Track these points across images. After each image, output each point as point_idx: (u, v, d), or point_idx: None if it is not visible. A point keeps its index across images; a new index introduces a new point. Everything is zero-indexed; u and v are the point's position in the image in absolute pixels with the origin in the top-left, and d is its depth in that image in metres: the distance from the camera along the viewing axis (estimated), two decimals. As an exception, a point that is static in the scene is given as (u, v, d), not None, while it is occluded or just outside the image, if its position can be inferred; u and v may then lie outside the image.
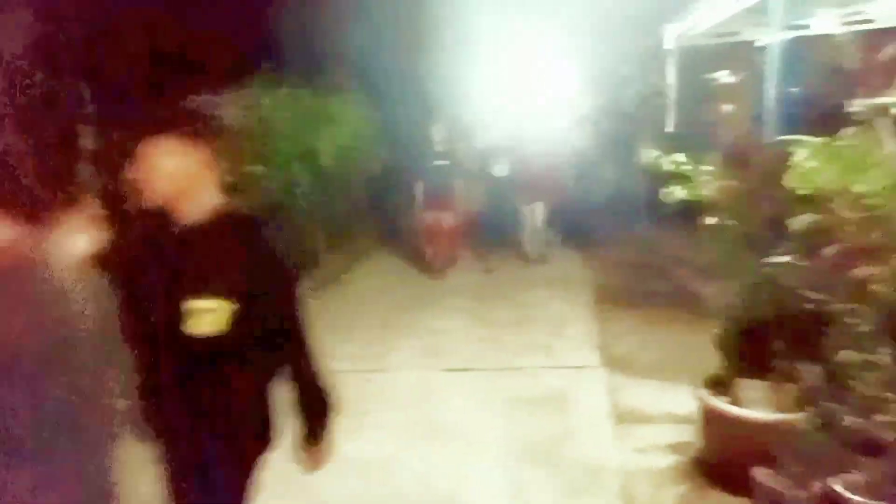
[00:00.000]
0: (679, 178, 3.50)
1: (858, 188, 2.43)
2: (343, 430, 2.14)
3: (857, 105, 2.67)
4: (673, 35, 7.50)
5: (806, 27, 4.76)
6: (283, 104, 8.48)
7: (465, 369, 5.18)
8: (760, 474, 3.16)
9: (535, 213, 8.53)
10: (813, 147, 2.74)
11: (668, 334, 5.47)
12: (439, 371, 5.15)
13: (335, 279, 8.46)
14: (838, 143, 2.63)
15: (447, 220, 8.15)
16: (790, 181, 2.85)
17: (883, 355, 2.79)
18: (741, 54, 6.35)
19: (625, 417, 4.24)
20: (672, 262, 6.84)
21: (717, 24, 6.12)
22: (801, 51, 4.61)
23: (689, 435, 3.80)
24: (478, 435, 4.03)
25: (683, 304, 5.68)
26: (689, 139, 4.96)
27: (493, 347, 5.60)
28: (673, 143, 4.11)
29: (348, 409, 2.26)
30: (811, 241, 3.10)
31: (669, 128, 7.15)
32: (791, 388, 3.32)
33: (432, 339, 5.80)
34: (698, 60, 7.22)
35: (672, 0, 7.00)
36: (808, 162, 2.69)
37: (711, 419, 3.55)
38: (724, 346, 3.66)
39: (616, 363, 5.14)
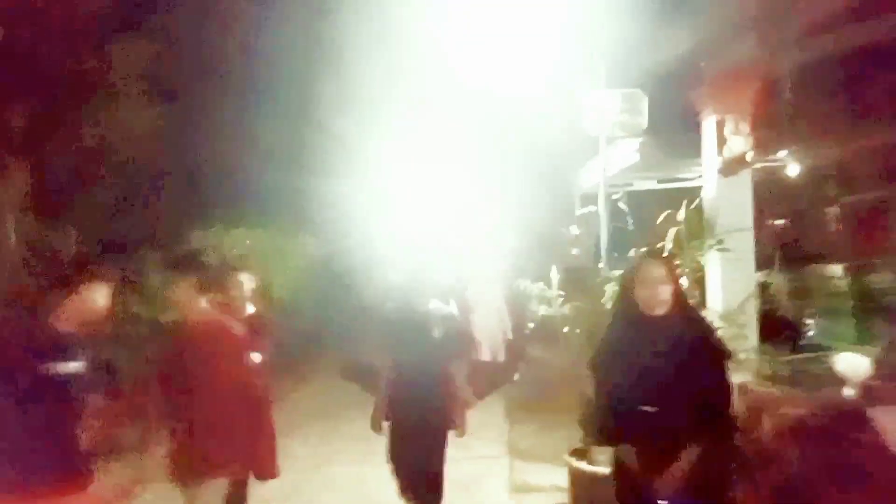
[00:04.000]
0: (543, 300, 4.94)
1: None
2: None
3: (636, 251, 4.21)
4: (577, 184, 9.14)
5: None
6: (239, 242, 9.84)
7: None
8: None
9: None
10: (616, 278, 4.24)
11: (565, 427, 6.69)
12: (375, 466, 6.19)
13: (282, 398, 9.46)
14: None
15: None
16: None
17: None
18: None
19: (519, 488, 5.41)
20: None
21: (613, 175, 7.72)
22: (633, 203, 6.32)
23: (565, 497, 4.98)
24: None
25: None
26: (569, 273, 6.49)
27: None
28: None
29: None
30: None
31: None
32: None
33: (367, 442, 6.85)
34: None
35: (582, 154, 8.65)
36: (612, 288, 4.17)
37: (576, 478, 4.78)
38: (582, 425, 4.96)
39: (517, 454, 6.35)
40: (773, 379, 4.19)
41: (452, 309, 4.32)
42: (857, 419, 1.57)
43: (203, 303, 3.75)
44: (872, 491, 1.45)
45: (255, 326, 4.36)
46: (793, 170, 6.49)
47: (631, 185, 8.38)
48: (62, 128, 8.19)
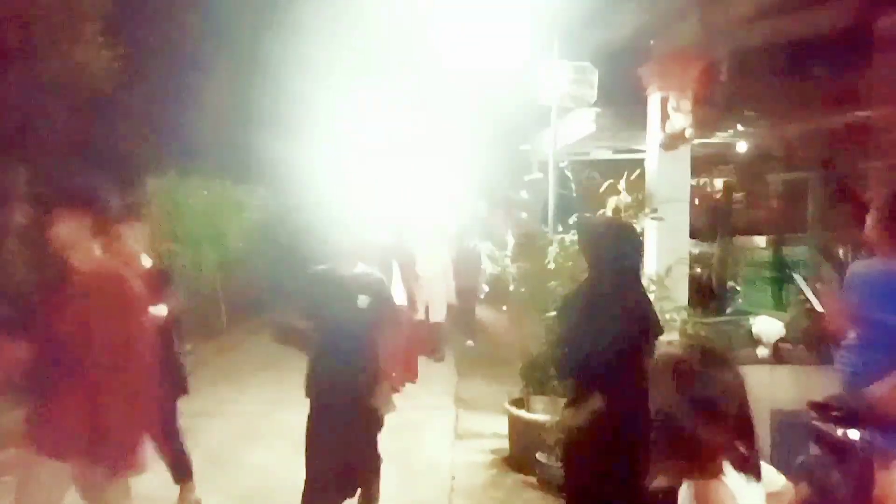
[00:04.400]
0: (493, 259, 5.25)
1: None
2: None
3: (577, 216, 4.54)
4: (533, 151, 9.42)
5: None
6: (194, 192, 9.85)
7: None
8: (541, 456, 4.79)
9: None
10: (559, 242, 4.57)
11: (508, 380, 7.12)
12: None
13: (233, 347, 9.66)
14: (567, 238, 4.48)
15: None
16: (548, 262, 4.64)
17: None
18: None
19: (463, 434, 5.80)
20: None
21: (571, 144, 8.02)
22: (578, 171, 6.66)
23: (504, 443, 5.38)
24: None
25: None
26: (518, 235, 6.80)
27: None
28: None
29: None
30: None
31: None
32: (559, 401, 5.00)
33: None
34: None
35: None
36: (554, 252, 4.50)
37: (514, 423, 5.17)
38: (523, 376, 5.34)
39: (462, 404, 6.74)
40: (695, 339, 4.60)
41: (378, 273, 3.94)
42: (718, 360, 1.86)
43: (96, 248, 2.90)
44: (725, 424, 1.77)
45: (156, 283, 3.77)
46: (729, 147, 6.92)
47: (588, 153, 8.70)
48: (15, 64, 8.03)
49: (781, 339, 4.58)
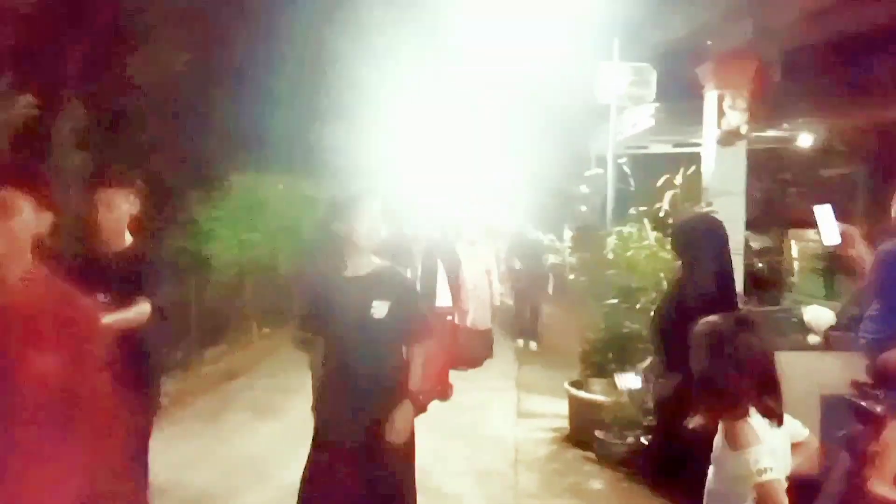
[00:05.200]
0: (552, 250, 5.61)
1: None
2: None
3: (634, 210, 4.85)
4: (595, 146, 9.62)
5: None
6: (271, 187, 10.52)
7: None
8: (599, 433, 5.15)
9: None
10: (617, 234, 4.90)
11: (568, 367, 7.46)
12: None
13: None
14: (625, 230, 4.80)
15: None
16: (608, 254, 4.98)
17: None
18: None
19: (524, 414, 6.20)
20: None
21: (629, 137, 8.24)
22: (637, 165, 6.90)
23: (564, 422, 5.75)
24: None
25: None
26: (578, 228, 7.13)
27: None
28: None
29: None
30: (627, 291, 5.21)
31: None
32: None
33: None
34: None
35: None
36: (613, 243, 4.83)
37: (573, 403, 5.54)
38: (582, 359, 5.70)
39: (524, 387, 7.14)
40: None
41: (398, 271, 3.15)
42: (748, 327, 2.25)
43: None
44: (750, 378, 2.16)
45: (135, 269, 3.08)
46: (789, 142, 7.06)
47: (647, 147, 8.92)
48: (109, 69, 8.76)
49: (831, 328, 4.77)
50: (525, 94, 8.82)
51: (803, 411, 3.48)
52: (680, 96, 6.59)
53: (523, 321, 9.01)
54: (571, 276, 5.53)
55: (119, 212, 3.16)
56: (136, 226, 3.27)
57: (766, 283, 6.33)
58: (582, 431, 5.39)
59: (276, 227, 10.18)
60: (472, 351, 7.62)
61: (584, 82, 6.11)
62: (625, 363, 5.30)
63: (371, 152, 12.10)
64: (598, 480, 4.78)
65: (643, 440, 4.85)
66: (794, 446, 2.31)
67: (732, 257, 5.32)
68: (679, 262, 3.61)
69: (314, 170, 11.82)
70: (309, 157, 12.26)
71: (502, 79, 9.07)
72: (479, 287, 7.97)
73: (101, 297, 2.83)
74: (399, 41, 12.21)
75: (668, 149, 8.98)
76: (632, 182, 5.75)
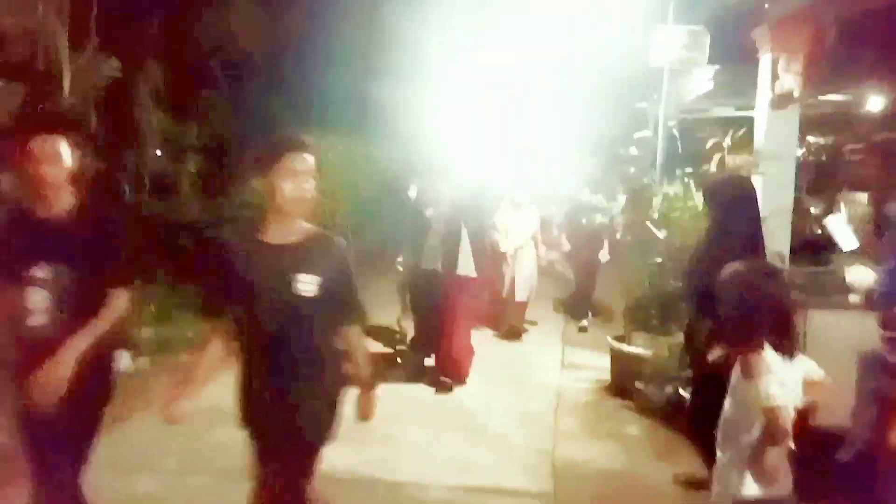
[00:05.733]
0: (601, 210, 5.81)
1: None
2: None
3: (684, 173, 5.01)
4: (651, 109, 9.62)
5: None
6: (332, 146, 10.91)
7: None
8: (639, 384, 5.40)
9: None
10: (663, 195, 5.07)
11: (612, 325, 7.69)
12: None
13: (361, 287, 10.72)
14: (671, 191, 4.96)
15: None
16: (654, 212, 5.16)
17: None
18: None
19: (568, 366, 6.50)
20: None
21: (692, 100, 8.24)
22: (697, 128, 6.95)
23: (606, 374, 6.01)
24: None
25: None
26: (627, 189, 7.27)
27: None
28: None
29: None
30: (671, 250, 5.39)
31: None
32: (658, 338, 5.56)
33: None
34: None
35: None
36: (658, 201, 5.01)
37: (615, 356, 5.79)
38: (626, 315, 5.92)
39: (569, 342, 7.41)
40: (792, 286, 4.99)
41: (331, 237, 2.53)
42: (769, 273, 2.47)
43: None
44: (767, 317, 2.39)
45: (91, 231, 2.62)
46: (854, 107, 6.97)
47: (708, 110, 8.90)
48: (186, 34, 9.25)
49: (872, 287, 4.87)
50: (580, 56, 8.86)
51: (843, 367, 3.69)
52: (741, 59, 6.61)
53: (578, 297, 8.22)
54: (619, 236, 5.72)
55: (61, 165, 2.56)
56: (81, 184, 2.68)
57: (816, 245, 6.37)
58: (622, 383, 5.66)
59: (334, 186, 10.57)
60: (503, 321, 7.51)
61: (639, 45, 6.20)
62: (668, 320, 5.53)
63: (425, 113, 12.16)
64: (634, 427, 5.05)
65: (681, 391, 5.10)
66: (810, 385, 2.54)
67: (781, 218, 5.50)
68: (710, 218, 3.80)
69: (372, 130, 12.15)
70: (366, 117, 12.58)
71: (557, 41, 9.10)
72: (524, 255, 7.46)
73: (38, 271, 2.48)
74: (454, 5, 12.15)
75: (730, 112, 8.94)
76: (679, 145, 5.86)
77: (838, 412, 3.65)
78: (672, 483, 4.05)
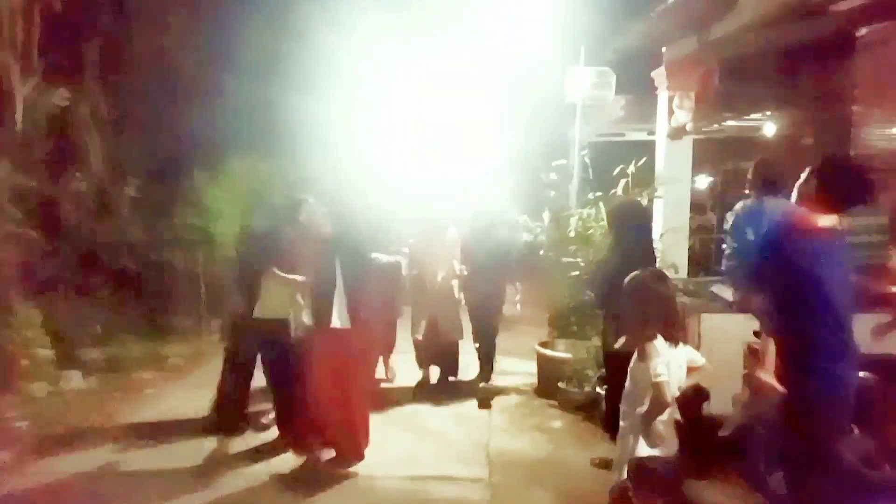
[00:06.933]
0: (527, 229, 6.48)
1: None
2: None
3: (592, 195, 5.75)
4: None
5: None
6: (266, 168, 11.19)
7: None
8: (561, 385, 6.06)
9: None
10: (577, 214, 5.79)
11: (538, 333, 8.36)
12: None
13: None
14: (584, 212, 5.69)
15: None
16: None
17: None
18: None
19: (500, 372, 7.10)
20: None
21: (610, 123, 9.06)
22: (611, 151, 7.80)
23: (534, 378, 6.64)
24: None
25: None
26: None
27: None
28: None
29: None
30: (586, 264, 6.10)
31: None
32: (578, 343, 6.25)
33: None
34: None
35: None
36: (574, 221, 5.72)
37: (541, 360, 6.45)
38: (550, 323, 6.60)
39: (501, 351, 8.03)
40: (687, 293, 5.77)
41: None
42: (658, 279, 3.16)
43: None
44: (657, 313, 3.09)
45: None
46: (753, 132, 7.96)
47: (623, 135, 9.79)
48: (122, 54, 9.35)
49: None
50: (502, 89, 9.52)
51: (730, 360, 4.42)
52: (648, 91, 7.49)
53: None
54: (541, 252, 6.41)
55: None
56: None
57: (705, 257, 7.28)
58: (548, 384, 6.30)
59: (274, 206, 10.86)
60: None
61: (557, 83, 6.97)
62: (585, 326, 6.23)
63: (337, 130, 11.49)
64: (558, 421, 5.69)
65: (598, 389, 5.78)
66: (693, 369, 3.20)
67: (678, 235, 6.32)
68: (611, 235, 4.52)
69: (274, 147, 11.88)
70: (293, 139, 12.66)
71: (481, 72, 9.67)
72: (443, 287, 6.24)
73: None
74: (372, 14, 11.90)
75: (643, 136, 9.90)
76: (590, 171, 6.63)
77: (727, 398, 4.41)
78: (589, 465, 4.69)
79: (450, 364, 6.57)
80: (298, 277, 4.79)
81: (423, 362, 6.54)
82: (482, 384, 6.36)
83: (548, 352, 6.40)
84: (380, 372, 6.55)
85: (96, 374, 6.55)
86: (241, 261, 5.15)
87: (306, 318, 4.70)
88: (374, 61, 11.99)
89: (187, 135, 10.17)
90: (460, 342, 6.52)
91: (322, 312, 4.51)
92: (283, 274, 4.80)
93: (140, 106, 9.24)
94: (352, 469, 4.62)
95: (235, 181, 10.28)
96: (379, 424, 5.44)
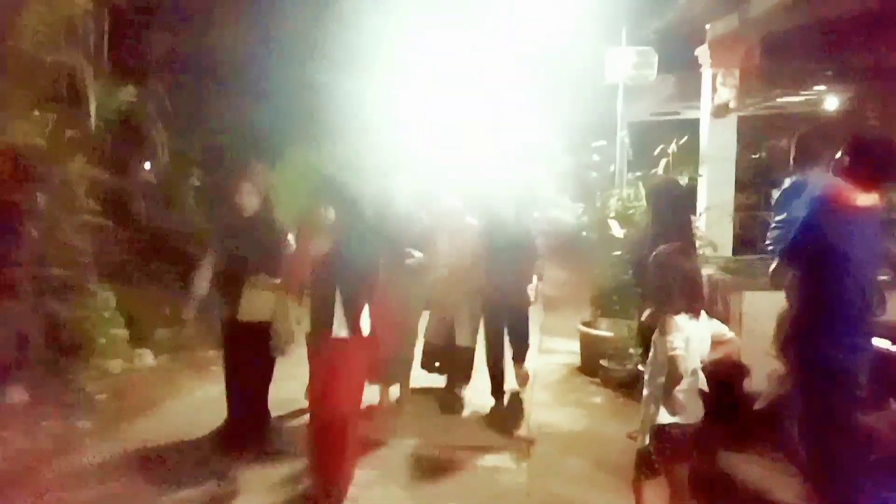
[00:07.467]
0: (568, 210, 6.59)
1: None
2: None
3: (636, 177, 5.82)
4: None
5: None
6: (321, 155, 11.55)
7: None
8: (604, 362, 6.19)
9: None
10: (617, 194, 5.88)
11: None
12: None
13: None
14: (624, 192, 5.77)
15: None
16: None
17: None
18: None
19: (544, 351, 7.28)
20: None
21: (665, 102, 8.99)
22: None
23: (577, 358, 6.79)
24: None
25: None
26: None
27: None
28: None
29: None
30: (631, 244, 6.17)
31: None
32: (620, 321, 6.35)
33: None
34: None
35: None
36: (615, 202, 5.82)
37: (583, 339, 6.58)
38: (592, 303, 6.72)
39: (546, 330, 8.20)
40: (729, 271, 5.79)
41: None
42: (684, 254, 3.28)
43: None
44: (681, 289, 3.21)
45: None
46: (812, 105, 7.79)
47: (678, 113, 9.67)
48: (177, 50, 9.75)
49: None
50: (540, 72, 9.49)
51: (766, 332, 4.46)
52: (689, 69, 7.43)
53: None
54: (584, 233, 6.53)
55: None
56: None
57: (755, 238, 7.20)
58: (590, 362, 6.45)
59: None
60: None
61: (596, 64, 7.01)
62: (627, 305, 6.32)
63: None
64: (598, 397, 5.85)
65: (640, 367, 5.88)
66: (720, 343, 3.30)
67: (720, 212, 6.32)
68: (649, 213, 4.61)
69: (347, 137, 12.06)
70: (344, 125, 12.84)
71: (523, 54, 9.61)
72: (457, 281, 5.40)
73: None
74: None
75: (691, 114, 9.76)
76: (630, 152, 6.68)
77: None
78: (625, 438, 4.83)
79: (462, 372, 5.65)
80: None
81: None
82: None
83: (590, 330, 6.53)
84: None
85: (166, 353, 7.05)
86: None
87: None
88: (415, 46, 12.08)
89: (246, 126, 10.61)
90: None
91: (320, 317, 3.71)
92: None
93: (199, 100, 9.67)
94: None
95: (288, 170, 10.71)
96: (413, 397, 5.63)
